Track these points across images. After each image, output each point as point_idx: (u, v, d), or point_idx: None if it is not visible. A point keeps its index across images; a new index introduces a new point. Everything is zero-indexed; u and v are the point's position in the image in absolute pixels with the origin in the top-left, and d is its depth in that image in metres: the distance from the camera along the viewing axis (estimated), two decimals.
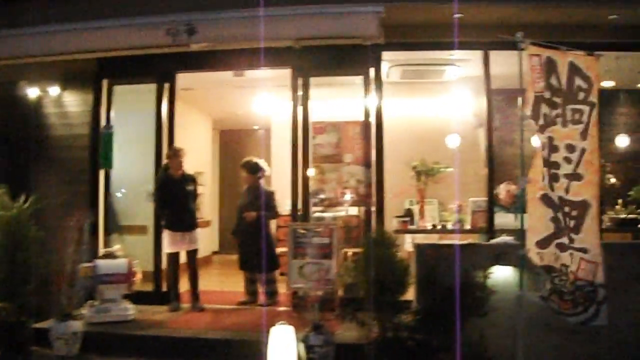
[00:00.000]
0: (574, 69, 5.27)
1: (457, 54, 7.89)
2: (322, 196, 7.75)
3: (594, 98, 5.21)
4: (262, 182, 8.21)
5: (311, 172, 7.74)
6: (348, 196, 7.60)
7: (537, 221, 5.18)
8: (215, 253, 13.69)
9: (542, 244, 5.17)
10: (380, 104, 7.61)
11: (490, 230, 7.44)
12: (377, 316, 5.65)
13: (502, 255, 5.69)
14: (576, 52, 5.35)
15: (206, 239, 12.40)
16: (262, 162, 8.30)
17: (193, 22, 6.82)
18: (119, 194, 8.72)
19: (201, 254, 11.83)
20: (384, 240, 5.85)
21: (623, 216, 7.87)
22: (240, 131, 14.48)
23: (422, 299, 5.84)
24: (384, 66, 8.33)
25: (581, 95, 5.20)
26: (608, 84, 9.26)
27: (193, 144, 11.50)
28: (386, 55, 7.93)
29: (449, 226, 7.84)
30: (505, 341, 5.47)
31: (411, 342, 5.62)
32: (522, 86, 5.15)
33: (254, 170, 8.18)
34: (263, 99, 10.01)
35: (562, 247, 5.17)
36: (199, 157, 12.26)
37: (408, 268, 5.80)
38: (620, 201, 8.43)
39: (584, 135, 5.16)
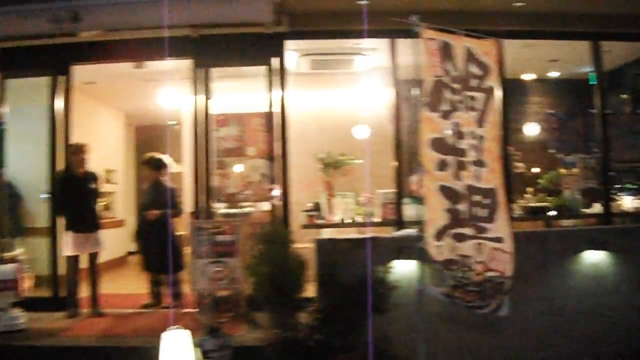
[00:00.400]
0: (469, 54, 5.08)
1: (364, 42, 7.70)
2: (226, 192, 7.40)
3: (491, 84, 5.01)
4: (165, 178, 7.81)
5: (214, 166, 7.38)
6: (251, 191, 7.27)
7: (434, 212, 4.99)
8: (131, 253, 13.15)
9: (439, 235, 4.99)
10: (285, 95, 7.32)
11: (400, 223, 7.27)
12: (275, 316, 5.37)
13: (404, 249, 5.48)
14: (473, 37, 5.16)
15: (120, 239, 11.91)
16: (165, 158, 7.92)
17: (76, 8, 6.40)
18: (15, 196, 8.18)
19: (115, 254, 11.46)
20: (278, 237, 5.55)
21: (533, 204, 7.81)
22: (156, 127, 13.93)
23: (323, 297, 5.59)
24: (292, 56, 8.10)
25: (475, 82, 5.00)
26: (520, 72, 9.26)
27: (102, 141, 11.03)
28: (292, 44, 7.70)
29: (359, 219, 7.61)
30: (409, 338, 5.28)
31: (312, 342, 5.36)
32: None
33: (157, 166, 7.80)
34: (170, 92, 9.57)
35: (463, 238, 4.98)
36: (109, 154, 11.77)
37: (304, 265, 5.52)
38: (530, 189, 8.40)
39: (480, 122, 4.97)
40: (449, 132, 4.95)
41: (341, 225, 7.64)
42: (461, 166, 4.90)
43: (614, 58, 9.18)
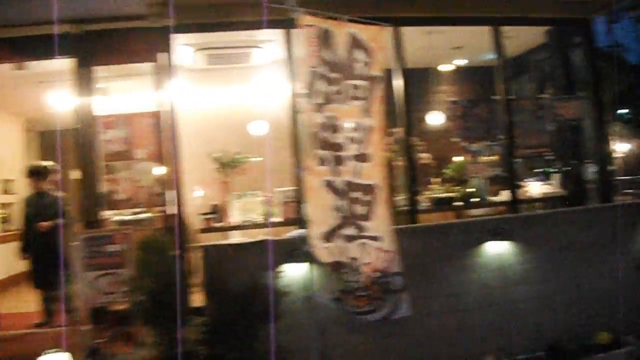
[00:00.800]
0: (353, 41, 4.79)
1: (259, 34, 7.32)
2: (116, 198, 6.90)
3: (377, 71, 4.73)
4: (51, 187, 7.27)
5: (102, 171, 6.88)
6: (143, 196, 6.80)
7: (320, 211, 4.69)
8: None
9: (328, 236, 4.68)
10: (175, 93, 6.85)
11: (302, 222, 6.91)
12: (159, 332, 4.96)
13: (296, 252, 5.15)
14: (357, 23, 4.85)
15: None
16: (52, 165, 7.36)
17: None
18: None
19: (17, 269, 10.72)
20: (157, 245, 5.13)
21: (440, 195, 7.59)
22: (62, 131, 13.14)
23: (212, 307, 5.22)
24: (187, 51, 7.65)
25: (361, 70, 4.71)
26: (424, 61, 9.05)
27: None
28: (183, 39, 7.26)
29: (260, 220, 7.24)
30: (303, 346, 4.99)
31: (201, 357, 4.98)
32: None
33: (41, 174, 7.25)
34: (62, 94, 8.95)
35: (349, 238, 4.69)
36: (6, 162, 11.03)
37: (188, 274, 5.14)
38: (436, 180, 8.19)
39: (366, 112, 4.69)
40: (323, 125, 4.66)
41: (241, 227, 7.25)
42: (339, 161, 4.61)
43: (519, 44, 9.11)
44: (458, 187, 7.83)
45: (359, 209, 4.67)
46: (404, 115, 7.03)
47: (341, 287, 4.73)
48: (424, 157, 8.06)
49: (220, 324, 5.06)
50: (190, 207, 6.98)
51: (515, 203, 7.34)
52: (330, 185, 4.61)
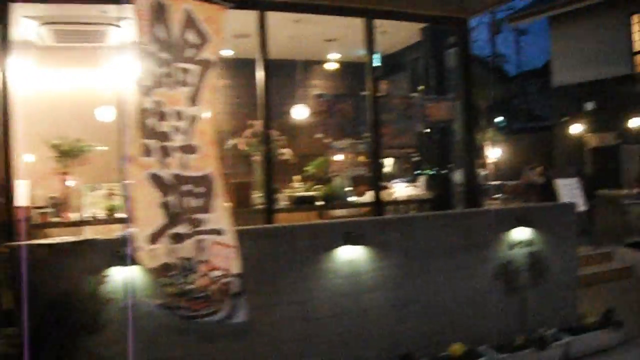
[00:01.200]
0: (188, 19, 4.22)
1: (113, 10, 6.60)
2: None
3: (210, 56, 4.18)
4: None
5: None
6: None
7: (146, 209, 4.12)
8: None
9: (154, 237, 4.12)
10: (12, 71, 6.02)
11: None
12: None
13: (124, 253, 4.54)
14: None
15: None
16: None
17: None
18: None
19: None
20: None
21: (299, 194, 7.19)
22: None
23: (24, 317, 4.51)
24: (30, 25, 6.84)
25: (191, 52, 4.16)
26: (293, 51, 8.64)
27: None
28: (24, 9, 6.40)
29: (103, 215, 6.57)
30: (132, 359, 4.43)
31: None
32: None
33: None
34: None
35: (182, 237, 4.15)
36: None
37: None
38: (297, 177, 7.80)
39: (193, 99, 4.14)
40: (150, 111, 4.11)
41: (82, 223, 6.53)
42: (165, 152, 4.07)
43: (394, 41, 8.88)
44: (319, 186, 7.46)
45: (194, 202, 4.13)
46: (263, 107, 6.55)
47: (173, 291, 4.19)
48: (285, 152, 7.60)
49: (33, 336, 4.40)
50: (25, 200, 6.20)
51: (379, 204, 7.04)
52: (156, 178, 4.06)
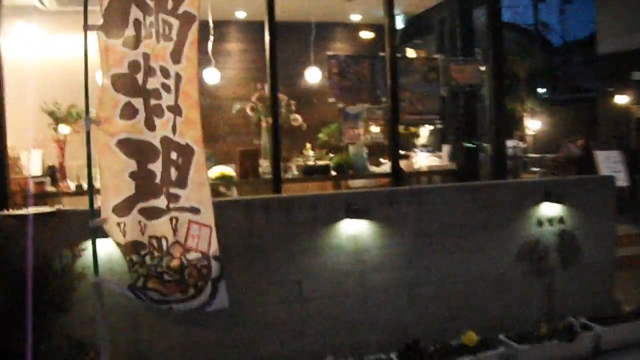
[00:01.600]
0: None
1: None
2: None
3: (192, 10, 3.69)
4: None
5: None
6: None
7: (115, 177, 3.71)
8: None
9: (122, 209, 3.71)
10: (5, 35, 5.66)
11: None
12: None
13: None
14: None
15: None
16: None
17: None
18: None
19: None
20: None
21: (311, 163, 6.69)
22: None
23: None
24: None
25: (171, 4, 3.69)
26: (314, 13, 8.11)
27: None
28: None
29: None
30: (113, 338, 4.08)
31: None
32: None
33: None
34: None
35: (153, 213, 3.72)
36: None
37: None
38: (308, 145, 7.29)
39: (175, 57, 3.68)
40: (135, 64, 3.68)
41: (79, 193, 6.18)
42: (156, 112, 3.64)
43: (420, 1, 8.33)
44: (333, 155, 6.95)
45: (173, 174, 3.70)
46: (270, 69, 6.03)
47: (143, 272, 3.78)
48: (295, 118, 7.09)
49: (3, 313, 4.08)
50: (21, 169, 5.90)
51: (397, 175, 6.50)
52: (133, 142, 3.64)
